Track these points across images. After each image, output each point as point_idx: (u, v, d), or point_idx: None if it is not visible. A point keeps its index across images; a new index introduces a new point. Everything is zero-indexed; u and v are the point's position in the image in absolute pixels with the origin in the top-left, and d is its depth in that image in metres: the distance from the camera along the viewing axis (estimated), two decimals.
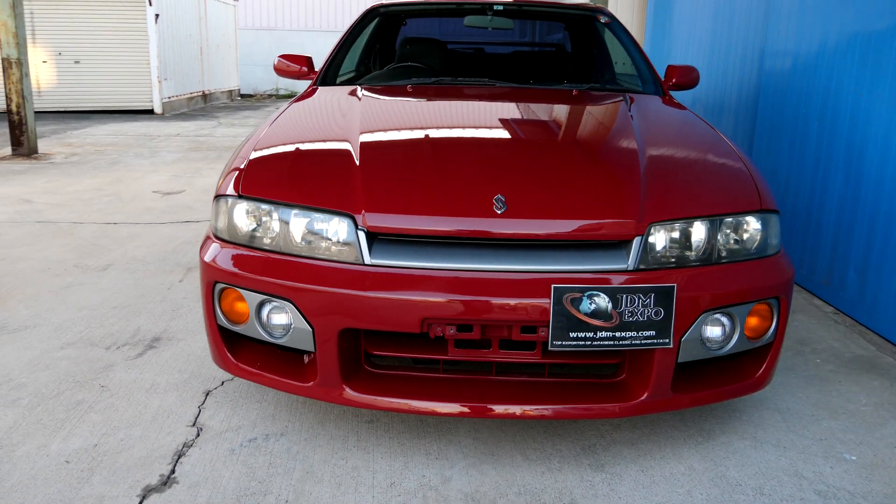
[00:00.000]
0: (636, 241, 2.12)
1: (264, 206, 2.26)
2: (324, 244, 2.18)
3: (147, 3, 14.79)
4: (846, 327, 3.56)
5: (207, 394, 2.73)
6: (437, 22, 5.38)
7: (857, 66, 3.66)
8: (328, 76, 3.71)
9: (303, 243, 2.20)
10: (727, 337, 2.23)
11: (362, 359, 2.29)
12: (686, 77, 3.72)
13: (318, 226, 2.19)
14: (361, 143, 2.45)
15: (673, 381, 2.22)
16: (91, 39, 14.91)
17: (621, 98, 3.24)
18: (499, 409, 2.15)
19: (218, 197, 2.38)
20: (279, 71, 3.91)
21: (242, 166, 2.41)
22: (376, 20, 4.29)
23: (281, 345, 2.27)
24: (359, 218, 2.14)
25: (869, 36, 3.57)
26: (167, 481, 2.18)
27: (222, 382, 2.81)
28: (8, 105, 8.41)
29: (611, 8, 8.05)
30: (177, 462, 2.28)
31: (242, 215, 2.29)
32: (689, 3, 6.43)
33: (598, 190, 2.23)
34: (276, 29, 25.27)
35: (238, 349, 2.38)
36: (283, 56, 3.91)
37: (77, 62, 14.91)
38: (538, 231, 2.12)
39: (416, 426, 2.51)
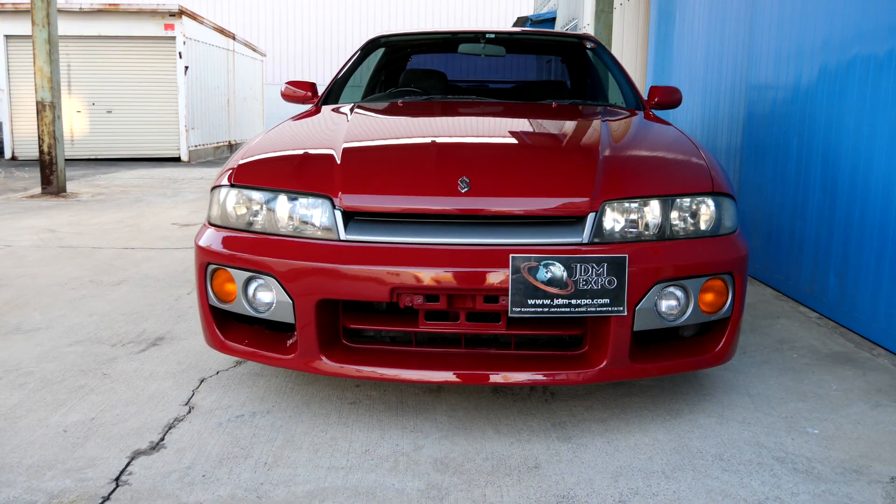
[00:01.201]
0: (590, 217, 2.27)
1: (253, 194, 2.47)
2: (305, 224, 2.37)
3: (178, 55, 15.47)
4: (828, 329, 3.63)
5: (202, 380, 2.88)
6: (444, 58, 5.64)
7: (827, 85, 3.83)
8: (329, 98, 3.95)
9: (286, 224, 2.39)
10: (682, 309, 2.35)
11: (340, 333, 2.44)
12: (668, 97, 3.83)
13: (300, 209, 2.39)
14: (344, 148, 2.64)
15: (633, 353, 2.34)
16: (123, 90, 15.60)
17: (599, 109, 3.41)
18: (466, 374, 2.28)
19: (213, 188, 2.60)
20: (286, 96, 4.16)
21: (236, 164, 2.63)
22: (381, 52, 4.55)
23: (265, 319, 2.44)
24: (336, 200, 2.33)
25: (837, 62, 3.75)
26: (156, 447, 2.33)
27: (217, 372, 2.97)
28: (40, 145, 8.84)
29: (615, 47, 8.31)
30: (167, 432, 2.43)
31: (233, 201, 2.50)
32: (685, 42, 6.66)
33: (557, 172, 2.40)
34: None
35: (227, 329, 2.56)
36: (289, 82, 4.17)
37: (109, 112, 15.57)
38: (498, 208, 2.28)
39: (395, 406, 2.64)
